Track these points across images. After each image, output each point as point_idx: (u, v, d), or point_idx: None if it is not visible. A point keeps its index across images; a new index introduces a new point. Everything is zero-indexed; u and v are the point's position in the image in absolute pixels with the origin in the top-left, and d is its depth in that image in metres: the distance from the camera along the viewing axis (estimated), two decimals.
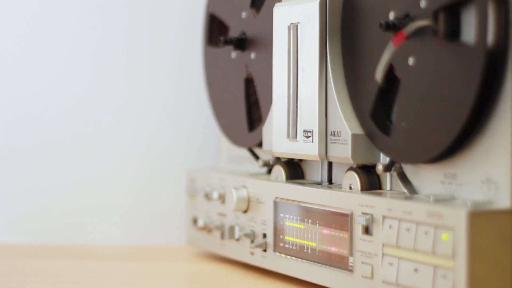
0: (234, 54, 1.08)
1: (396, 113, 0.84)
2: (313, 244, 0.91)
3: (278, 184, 0.97)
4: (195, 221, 1.15)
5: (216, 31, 1.14)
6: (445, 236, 0.74)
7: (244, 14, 1.07)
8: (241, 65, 1.07)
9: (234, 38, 1.06)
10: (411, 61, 0.81)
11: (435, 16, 0.78)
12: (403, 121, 0.82)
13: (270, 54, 0.99)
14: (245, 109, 1.07)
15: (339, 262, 0.87)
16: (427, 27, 0.78)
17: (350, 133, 0.88)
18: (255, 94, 1.06)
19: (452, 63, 0.77)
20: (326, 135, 0.91)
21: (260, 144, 1.04)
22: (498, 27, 0.73)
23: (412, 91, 0.81)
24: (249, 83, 1.07)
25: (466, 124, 0.76)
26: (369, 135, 0.87)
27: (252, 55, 1.05)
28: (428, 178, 0.82)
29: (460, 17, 0.77)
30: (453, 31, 0.77)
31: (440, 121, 0.79)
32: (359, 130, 0.88)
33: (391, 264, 0.80)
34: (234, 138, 1.10)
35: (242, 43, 1.06)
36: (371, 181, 0.88)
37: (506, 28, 0.74)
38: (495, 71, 0.74)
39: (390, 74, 0.84)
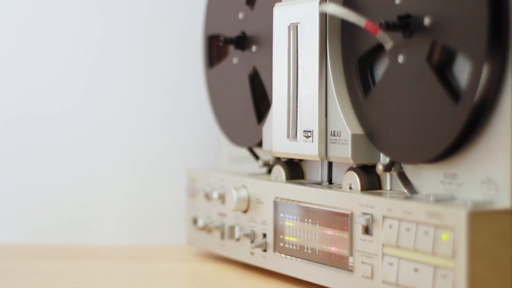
0: (235, 59, 1.08)
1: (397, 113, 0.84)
2: (313, 244, 0.91)
3: (278, 184, 0.97)
4: (195, 221, 1.15)
5: (216, 52, 1.14)
6: (445, 236, 0.74)
7: (241, 15, 1.07)
8: (243, 64, 1.07)
9: (234, 37, 1.06)
10: (400, 58, 0.81)
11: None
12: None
13: (271, 46, 0.99)
14: (252, 104, 1.06)
15: (339, 262, 0.87)
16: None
17: (350, 133, 0.88)
18: (260, 87, 1.06)
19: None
20: (326, 135, 0.91)
21: (260, 144, 1.04)
22: None
23: (413, 91, 0.81)
24: (253, 78, 1.07)
25: (466, 124, 0.76)
26: (369, 135, 0.87)
27: (254, 48, 1.05)
28: (428, 178, 0.82)
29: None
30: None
31: (440, 121, 0.79)
32: (359, 130, 0.88)
33: (391, 264, 0.80)
34: (235, 138, 1.10)
35: (242, 42, 1.06)
36: (371, 181, 0.88)
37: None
38: (496, 71, 0.74)
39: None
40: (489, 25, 0.73)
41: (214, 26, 1.14)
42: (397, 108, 0.83)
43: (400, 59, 0.82)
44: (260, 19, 1.04)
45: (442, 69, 0.78)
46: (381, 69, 0.87)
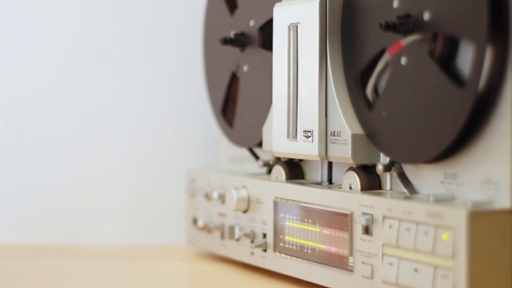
0: (245, 67, 1.08)
1: (398, 112, 0.84)
2: (313, 244, 0.91)
3: (278, 184, 0.97)
4: (195, 221, 1.15)
5: (230, 114, 1.14)
6: (445, 236, 0.74)
7: (232, 32, 1.08)
8: (253, 62, 1.07)
9: (233, 36, 1.06)
10: (403, 60, 0.81)
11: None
12: (383, 110, 0.83)
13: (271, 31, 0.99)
14: (223, 99, 1.10)
15: (339, 262, 0.87)
16: (424, 40, 0.79)
17: (350, 133, 0.88)
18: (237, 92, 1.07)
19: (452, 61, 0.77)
20: (326, 135, 0.91)
21: (260, 144, 1.04)
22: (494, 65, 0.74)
23: (412, 91, 0.81)
24: (234, 78, 1.08)
25: (466, 124, 0.76)
26: (369, 135, 0.87)
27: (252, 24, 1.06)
28: (428, 178, 0.82)
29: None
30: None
31: (440, 121, 0.79)
32: (359, 130, 0.88)
33: (391, 264, 0.80)
34: (235, 138, 1.10)
35: (241, 39, 1.06)
36: (371, 181, 0.88)
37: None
38: (496, 69, 0.74)
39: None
40: (489, 10, 0.73)
41: (219, 104, 1.14)
42: (398, 108, 0.83)
43: (403, 61, 0.82)
44: (249, 15, 1.05)
45: (445, 61, 0.78)
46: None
